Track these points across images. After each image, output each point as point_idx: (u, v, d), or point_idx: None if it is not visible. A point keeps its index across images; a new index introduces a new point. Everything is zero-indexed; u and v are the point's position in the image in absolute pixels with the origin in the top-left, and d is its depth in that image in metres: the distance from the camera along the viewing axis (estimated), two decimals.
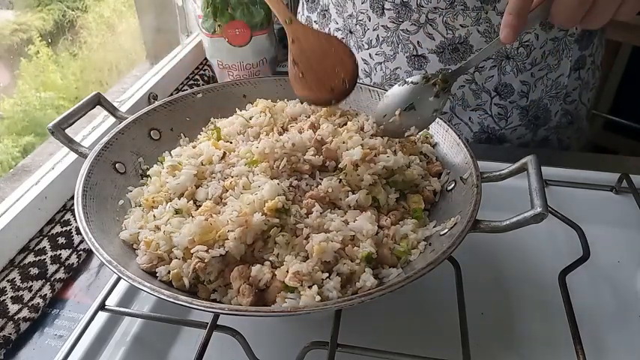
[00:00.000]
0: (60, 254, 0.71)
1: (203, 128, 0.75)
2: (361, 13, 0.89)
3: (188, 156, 0.65)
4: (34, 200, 0.74)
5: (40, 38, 0.99)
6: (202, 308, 0.46)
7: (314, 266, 0.51)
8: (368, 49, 0.92)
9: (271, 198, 0.55)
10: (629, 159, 0.89)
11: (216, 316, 0.53)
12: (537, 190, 0.50)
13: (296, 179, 0.61)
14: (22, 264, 0.68)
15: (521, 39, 0.85)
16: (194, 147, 0.69)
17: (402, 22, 0.86)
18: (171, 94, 1.01)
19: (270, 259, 0.53)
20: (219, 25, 1.13)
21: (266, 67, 1.21)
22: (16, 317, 0.62)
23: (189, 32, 1.35)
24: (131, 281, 0.48)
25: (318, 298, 0.48)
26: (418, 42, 0.86)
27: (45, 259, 0.70)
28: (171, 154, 0.69)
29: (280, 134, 0.67)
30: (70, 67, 1.10)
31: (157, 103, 0.74)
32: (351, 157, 0.60)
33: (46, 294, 0.66)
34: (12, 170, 0.87)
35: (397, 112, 0.65)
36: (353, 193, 0.59)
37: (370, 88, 0.77)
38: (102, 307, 0.57)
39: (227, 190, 0.60)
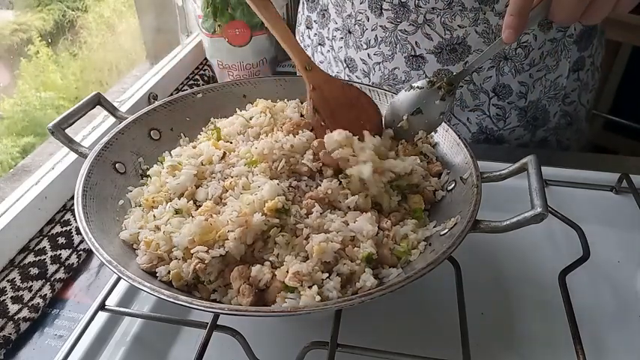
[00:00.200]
0: (60, 254, 0.71)
1: (203, 128, 0.75)
2: (360, 13, 0.89)
3: (188, 156, 0.65)
4: (34, 200, 0.74)
5: (40, 38, 0.99)
6: (202, 308, 0.46)
7: (314, 266, 0.51)
8: (366, 49, 0.92)
9: (271, 198, 0.55)
10: (629, 159, 0.89)
11: (216, 316, 0.53)
12: (537, 190, 0.50)
13: (295, 179, 0.61)
14: (22, 264, 0.68)
15: (519, 40, 0.85)
16: (194, 147, 0.69)
17: (400, 22, 0.86)
18: (171, 94, 1.01)
19: (270, 259, 0.53)
20: (219, 25, 1.13)
21: (266, 67, 1.22)
22: (16, 317, 0.62)
23: (189, 32, 1.35)
24: (131, 281, 0.48)
25: (318, 298, 0.48)
26: (416, 42, 0.87)
27: (45, 259, 0.70)
28: (171, 154, 0.69)
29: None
30: (70, 67, 1.10)
31: (157, 103, 0.74)
32: (360, 174, 0.58)
33: (46, 294, 0.66)
34: (12, 170, 0.87)
35: (405, 117, 0.67)
36: (353, 195, 0.58)
37: (370, 87, 0.77)
38: (102, 307, 0.57)
39: (227, 190, 0.60)
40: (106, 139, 0.66)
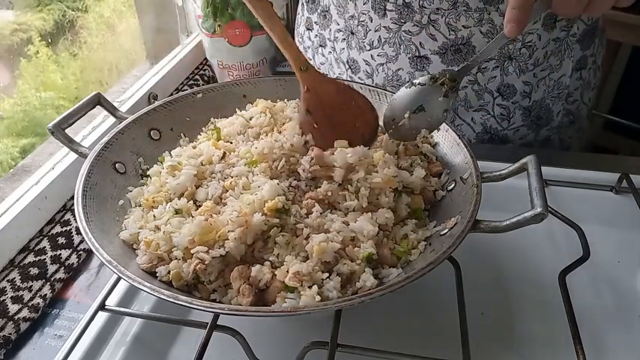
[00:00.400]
0: (60, 254, 0.71)
1: (203, 128, 0.75)
2: (363, 14, 0.89)
3: (188, 156, 0.65)
4: (34, 200, 0.74)
5: (40, 38, 0.99)
6: (202, 308, 0.46)
7: (314, 266, 0.51)
8: (370, 50, 0.91)
9: (271, 198, 0.55)
10: (629, 159, 0.89)
11: (216, 316, 0.53)
12: (537, 190, 0.50)
13: (295, 179, 0.61)
14: (22, 264, 0.68)
15: (523, 39, 0.85)
16: (194, 147, 0.69)
17: (404, 23, 0.85)
18: (171, 94, 1.01)
19: (270, 259, 0.53)
20: (219, 25, 1.13)
21: (266, 67, 1.22)
22: (16, 317, 0.62)
23: (189, 32, 1.35)
24: (131, 281, 0.48)
25: (318, 298, 0.48)
26: (420, 43, 0.86)
27: (45, 259, 0.70)
28: (171, 154, 0.69)
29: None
30: (70, 67, 1.10)
31: (157, 103, 0.74)
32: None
33: (46, 294, 0.66)
34: (12, 170, 0.87)
35: (406, 115, 0.64)
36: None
37: (370, 88, 0.77)
38: (102, 307, 0.57)
39: (227, 191, 0.60)
40: (106, 139, 0.66)
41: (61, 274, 0.69)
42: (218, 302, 0.51)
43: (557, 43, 0.87)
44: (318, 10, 0.99)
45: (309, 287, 0.49)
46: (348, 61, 0.97)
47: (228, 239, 0.52)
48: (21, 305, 0.64)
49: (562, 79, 0.91)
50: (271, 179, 0.59)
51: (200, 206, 0.58)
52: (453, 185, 0.62)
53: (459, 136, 0.65)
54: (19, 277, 0.66)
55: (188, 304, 0.46)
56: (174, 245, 0.54)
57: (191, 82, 1.24)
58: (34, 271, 0.68)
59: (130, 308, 0.63)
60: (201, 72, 1.29)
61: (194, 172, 0.62)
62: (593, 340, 0.57)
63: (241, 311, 0.47)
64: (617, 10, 0.62)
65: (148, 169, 0.67)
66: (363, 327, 0.60)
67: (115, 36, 1.24)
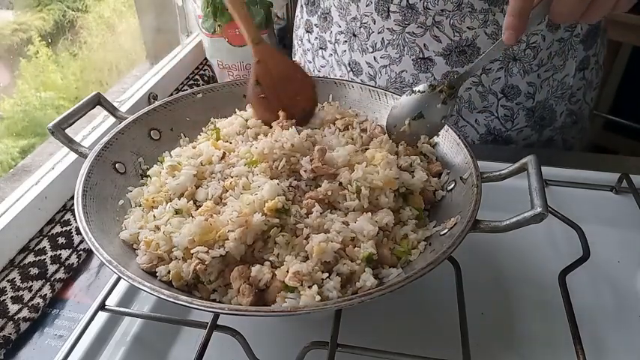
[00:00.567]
0: (60, 254, 0.71)
1: (203, 128, 0.75)
2: (365, 15, 0.89)
3: (188, 156, 0.65)
4: (34, 200, 0.74)
5: (39, 38, 0.99)
6: (202, 308, 0.46)
7: (314, 266, 0.51)
8: (372, 52, 0.91)
9: (271, 198, 0.55)
10: (629, 159, 0.89)
11: (216, 316, 0.53)
12: (537, 190, 0.50)
13: (295, 179, 0.61)
14: (22, 264, 0.68)
15: (528, 40, 0.85)
16: (194, 147, 0.69)
17: (408, 24, 0.85)
18: (171, 94, 1.01)
19: (270, 259, 0.53)
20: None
21: None
22: (16, 317, 0.62)
23: (189, 32, 1.36)
24: (131, 281, 0.48)
25: (318, 298, 0.48)
26: (424, 45, 0.86)
27: (45, 259, 0.70)
28: (171, 154, 0.69)
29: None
30: (70, 67, 1.10)
31: (157, 103, 0.74)
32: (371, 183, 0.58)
33: (46, 294, 0.66)
34: (12, 170, 0.87)
35: (407, 122, 0.67)
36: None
37: (370, 88, 0.77)
38: (102, 307, 0.57)
39: (227, 191, 0.60)
40: (106, 139, 0.66)
41: (61, 274, 0.69)
42: (218, 302, 0.51)
43: (561, 44, 0.88)
44: (319, 13, 0.99)
45: (309, 287, 0.49)
46: (349, 64, 0.96)
47: (228, 239, 0.52)
48: (21, 305, 0.64)
49: (565, 80, 0.92)
50: (271, 179, 0.59)
51: (200, 206, 0.58)
52: (453, 185, 0.62)
53: (458, 136, 0.65)
54: (19, 277, 0.66)
55: (188, 304, 0.46)
56: (174, 245, 0.54)
57: (191, 82, 1.24)
58: (34, 271, 0.68)
59: (130, 308, 0.63)
60: (201, 72, 1.29)
61: (194, 172, 0.62)
62: (593, 340, 0.57)
63: (241, 311, 0.47)
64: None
65: (148, 169, 0.67)
66: (363, 327, 0.60)
67: (115, 36, 1.24)
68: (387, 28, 0.87)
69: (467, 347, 0.51)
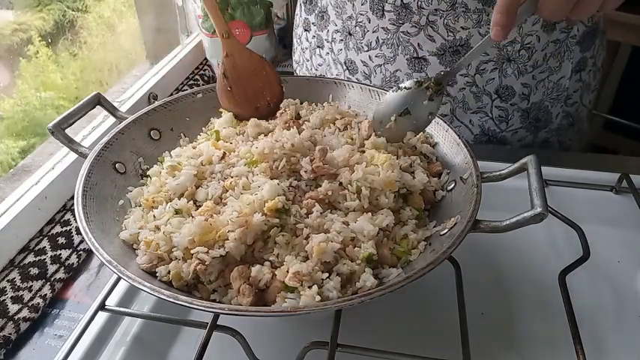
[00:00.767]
0: (60, 254, 0.71)
1: (203, 128, 0.75)
2: (361, 14, 0.89)
3: (188, 156, 0.65)
4: (34, 200, 0.74)
5: (40, 38, 0.99)
6: (202, 308, 0.46)
7: (314, 266, 0.51)
8: (367, 51, 0.91)
9: (271, 198, 0.55)
10: (629, 159, 0.89)
11: (216, 316, 0.53)
12: (537, 190, 0.50)
13: (295, 179, 0.61)
14: (22, 264, 0.68)
15: (522, 41, 0.85)
16: (194, 147, 0.69)
17: (403, 24, 0.85)
18: (171, 94, 1.01)
19: (270, 259, 0.53)
20: None
21: None
22: (16, 317, 0.62)
23: (189, 32, 1.36)
24: (131, 281, 0.48)
25: (318, 298, 0.48)
26: (418, 44, 0.86)
27: (45, 259, 0.70)
28: (171, 154, 0.69)
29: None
30: (70, 67, 1.10)
31: (157, 103, 0.74)
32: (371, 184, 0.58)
33: (46, 294, 0.66)
34: (12, 170, 0.87)
35: (393, 118, 0.66)
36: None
37: (370, 88, 0.77)
38: (102, 307, 0.57)
39: (227, 191, 0.60)
40: (106, 139, 0.66)
41: (61, 274, 0.69)
42: (218, 302, 0.51)
43: (557, 45, 0.87)
44: (316, 11, 0.99)
45: (309, 287, 0.49)
46: (345, 62, 0.97)
47: (228, 239, 0.52)
48: (21, 305, 0.64)
49: (561, 81, 0.91)
50: (271, 179, 0.59)
51: (200, 206, 0.58)
52: (453, 185, 0.62)
53: (458, 136, 0.65)
54: (19, 277, 0.66)
55: (188, 304, 0.46)
56: (174, 245, 0.54)
57: (191, 82, 1.25)
58: (34, 271, 0.68)
59: (130, 308, 0.63)
60: (201, 72, 1.29)
61: (194, 172, 0.62)
62: (593, 340, 0.57)
63: (241, 311, 0.47)
64: (617, 9, 0.62)
65: (148, 169, 0.67)
66: (363, 327, 0.60)
67: (115, 36, 1.24)
68: (382, 27, 0.87)
69: (467, 347, 0.51)
